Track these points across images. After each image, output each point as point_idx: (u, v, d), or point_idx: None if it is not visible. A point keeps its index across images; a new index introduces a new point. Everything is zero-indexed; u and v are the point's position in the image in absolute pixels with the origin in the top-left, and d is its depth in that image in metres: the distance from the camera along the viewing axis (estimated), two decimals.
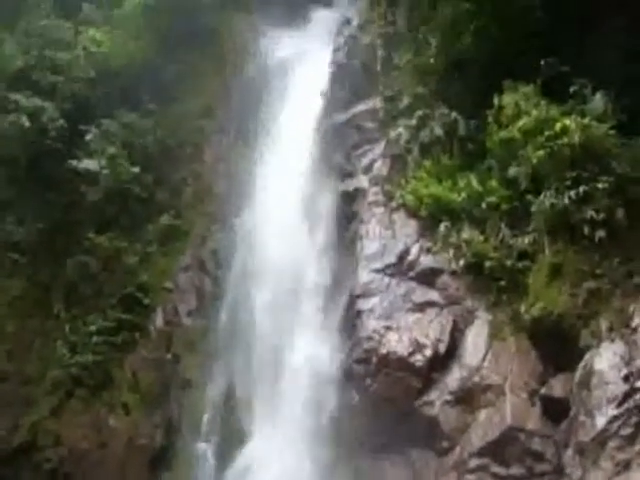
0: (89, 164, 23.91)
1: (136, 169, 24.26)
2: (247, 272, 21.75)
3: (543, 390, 15.09)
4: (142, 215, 24.21)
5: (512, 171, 17.38)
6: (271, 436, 18.87)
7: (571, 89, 16.73)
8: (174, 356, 21.94)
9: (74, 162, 23.97)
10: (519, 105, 17.62)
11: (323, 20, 28.70)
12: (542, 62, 17.52)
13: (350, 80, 25.31)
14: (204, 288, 22.74)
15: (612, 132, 15.45)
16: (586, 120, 15.58)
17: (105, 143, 24.39)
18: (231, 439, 19.82)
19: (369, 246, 19.21)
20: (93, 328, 22.33)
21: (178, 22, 26.78)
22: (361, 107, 23.92)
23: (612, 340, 13.72)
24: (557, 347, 14.92)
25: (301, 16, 28.49)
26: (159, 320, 22.60)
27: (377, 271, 18.53)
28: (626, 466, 12.47)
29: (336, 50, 26.72)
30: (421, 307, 17.61)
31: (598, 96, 16.44)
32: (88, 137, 24.46)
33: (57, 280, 23.81)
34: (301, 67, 26.08)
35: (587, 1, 17.45)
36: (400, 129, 21.30)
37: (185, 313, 22.47)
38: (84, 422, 21.62)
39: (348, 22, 28.26)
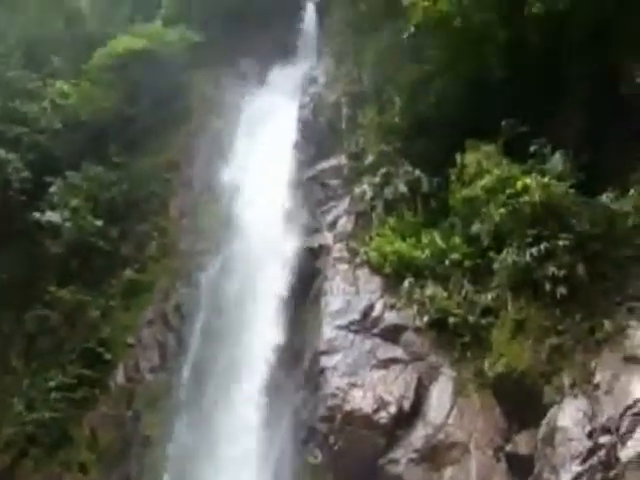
0: (52, 216, 23.68)
1: (100, 222, 24.09)
2: (211, 329, 21.52)
3: (508, 447, 15.02)
4: (105, 269, 23.96)
5: (475, 228, 17.64)
6: None
7: (531, 148, 17.12)
8: (135, 413, 21.45)
9: (37, 214, 23.72)
10: (481, 164, 17.99)
11: (290, 76, 29.16)
12: (503, 122, 17.97)
13: (316, 137, 25.67)
14: (167, 344, 22.42)
15: (571, 190, 15.76)
16: (546, 179, 15.89)
17: (69, 195, 24.25)
18: None
19: (333, 302, 19.20)
20: (52, 384, 21.81)
21: (147, 77, 26.98)
22: (326, 164, 24.22)
23: (575, 396, 13.78)
24: (521, 403, 14.92)
25: (268, 72, 28.99)
26: (120, 376, 22.17)
27: (341, 327, 18.47)
28: None
29: (302, 107, 27.13)
30: (385, 364, 17.52)
31: (557, 155, 16.85)
32: (52, 189, 24.29)
33: (16, 334, 23.34)
34: (267, 123, 26.35)
35: (548, 63, 18.01)
36: (365, 186, 21.58)
37: (147, 369, 22.08)
38: None
39: (314, 80, 28.78)
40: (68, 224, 23.60)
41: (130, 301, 23.30)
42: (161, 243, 24.55)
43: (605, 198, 15.29)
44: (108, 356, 22.25)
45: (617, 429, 12.50)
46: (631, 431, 12.22)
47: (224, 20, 30.24)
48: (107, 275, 23.85)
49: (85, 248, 23.85)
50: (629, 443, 12.16)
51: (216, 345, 20.98)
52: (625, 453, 12.16)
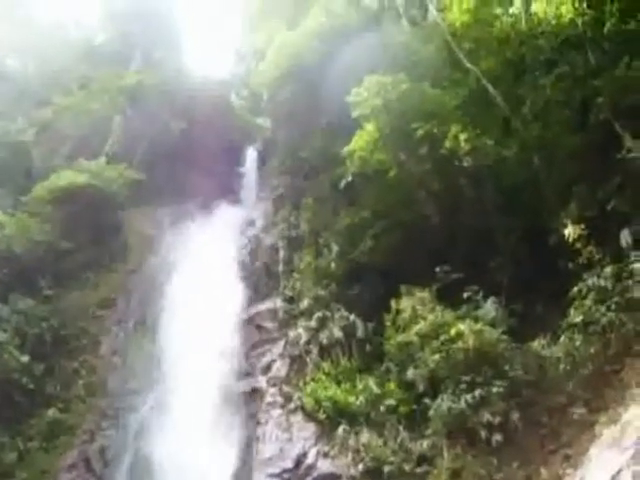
0: None
1: (26, 358, 23.15)
2: (137, 476, 20.44)
3: None
4: (27, 407, 22.69)
5: (410, 374, 17.64)
6: None
7: (465, 295, 17.49)
8: None
9: None
10: (416, 309, 18.26)
11: (229, 217, 29.61)
12: (437, 268, 18.43)
13: (253, 279, 25.81)
14: None
15: (504, 337, 16.04)
16: (479, 325, 16.20)
17: None
18: None
19: (266, 449, 18.72)
20: None
21: (85, 212, 26.97)
22: (262, 306, 24.24)
23: None
24: None
25: (209, 213, 29.38)
26: None
27: (273, 476, 17.90)
28: None
29: (240, 249, 27.42)
30: None
31: (490, 302, 17.27)
32: None
33: None
34: (206, 263, 26.40)
35: (480, 212, 18.79)
36: (300, 330, 21.60)
37: None
38: None
39: (252, 223, 29.31)
40: None
41: (51, 443, 21.96)
42: (89, 381, 23.60)
43: (537, 344, 15.60)
44: None
45: None
46: None
47: (167, 161, 30.91)
48: (28, 415, 22.55)
49: (7, 385, 22.69)
50: None
51: None
52: None
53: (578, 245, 14.89)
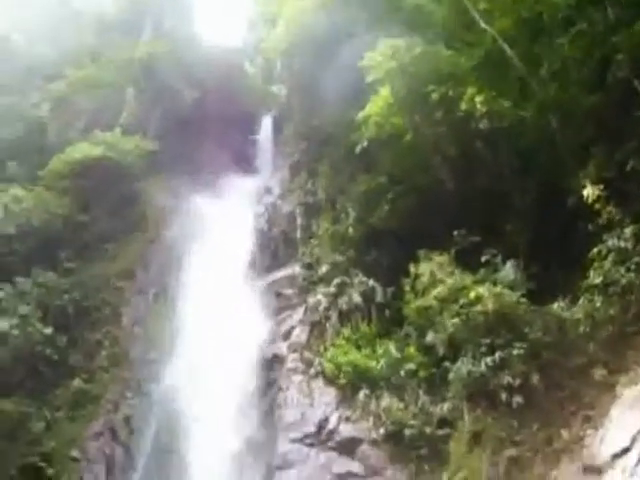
0: None
1: (49, 330, 23.45)
2: (161, 443, 20.77)
3: None
4: (52, 378, 23.05)
5: (429, 338, 17.66)
6: None
7: (483, 258, 17.44)
8: None
9: None
10: (434, 274, 18.22)
11: (245, 186, 29.63)
12: (455, 232, 18.36)
13: (271, 246, 25.90)
14: (115, 458, 21.40)
15: (523, 299, 15.99)
16: (498, 288, 16.15)
17: (18, 302, 23.63)
18: None
19: (287, 414, 18.89)
20: None
21: (102, 184, 27.09)
22: (281, 273, 24.35)
23: None
24: None
25: (224, 181, 29.39)
26: None
27: (295, 441, 18.11)
28: None
29: (257, 217, 27.48)
30: (342, 478, 17.14)
31: (508, 265, 17.20)
32: (0, 295, 23.70)
33: None
34: (223, 231, 26.50)
35: (496, 175, 18.65)
36: (319, 296, 21.67)
37: None
38: None
39: (269, 190, 29.34)
40: (15, 332, 22.85)
41: (77, 412, 22.32)
42: (111, 352, 23.88)
43: (557, 306, 15.53)
44: (51, 471, 21.01)
45: None
46: None
47: (182, 131, 30.86)
48: (54, 385, 22.92)
49: (32, 357, 23.02)
50: None
51: (168, 461, 20.16)
52: None
53: (597, 206, 14.74)
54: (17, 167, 27.93)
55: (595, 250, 14.78)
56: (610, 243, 14.59)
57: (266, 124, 33.75)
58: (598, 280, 14.60)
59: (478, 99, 17.66)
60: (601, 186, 14.77)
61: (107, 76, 31.66)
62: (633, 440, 12.22)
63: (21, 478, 20.78)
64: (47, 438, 21.51)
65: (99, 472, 21.11)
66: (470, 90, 17.95)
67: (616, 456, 12.40)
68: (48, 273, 24.91)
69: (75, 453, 21.28)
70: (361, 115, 21.00)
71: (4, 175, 27.57)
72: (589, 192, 14.82)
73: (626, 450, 12.25)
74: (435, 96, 18.80)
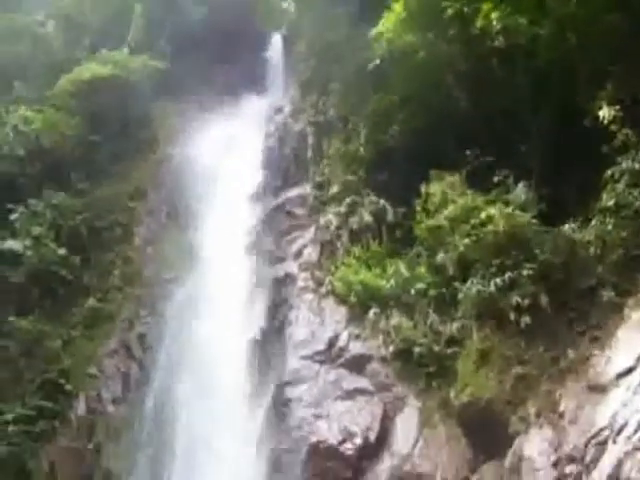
0: (13, 245, 23.23)
1: (63, 250, 23.71)
2: (174, 359, 21.24)
3: (474, 478, 14.99)
4: (67, 298, 23.48)
5: (440, 258, 17.70)
6: None
7: (495, 179, 17.33)
8: (96, 445, 20.90)
9: None
10: (445, 194, 18.16)
11: (255, 106, 29.29)
12: (467, 152, 18.18)
13: (281, 166, 25.77)
14: (130, 374, 22.01)
15: (534, 220, 15.96)
16: (509, 209, 16.11)
17: (31, 223, 23.84)
18: None
19: (298, 332, 19.17)
20: (9, 417, 21.17)
21: (111, 104, 26.88)
22: (291, 193, 24.29)
23: (540, 426, 13.81)
24: (487, 433, 14.89)
25: (234, 101, 29.06)
26: (81, 408, 21.60)
27: (306, 358, 18.43)
28: None
29: (267, 137, 27.25)
30: (351, 394, 17.46)
31: (520, 186, 17.08)
32: (13, 217, 23.89)
33: None
34: (233, 152, 26.37)
35: (511, 94, 18.32)
36: (330, 216, 21.66)
37: (109, 400, 21.60)
38: None
39: (280, 109, 28.96)
40: (29, 253, 23.14)
41: (92, 331, 22.85)
42: (125, 272, 24.22)
43: (567, 228, 15.49)
44: (69, 387, 21.68)
45: (582, 458, 12.55)
46: (596, 460, 12.24)
47: (191, 51, 30.33)
48: (69, 304, 23.37)
49: (47, 277, 23.38)
50: (594, 473, 12.19)
51: (181, 376, 20.67)
52: None
53: (613, 128, 14.48)
54: (24, 88, 27.65)
55: (609, 172, 14.62)
56: (624, 165, 14.40)
57: (276, 42, 32.98)
58: (610, 202, 14.49)
59: (494, 15, 17.15)
60: (617, 107, 14.49)
61: None
62: (638, 360, 12.39)
63: (41, 393, 21.47)
64: (64, 355, 22.12)
65: (115, 387, 21.75)
66: (486, 6, 17.41)
67: (620, 375, 12.59)
68: (60, 194, 25.04)
69: (92, 370, 21.90)
70: (374, 32, 20.53)
71: (11, 96, 27.36)
72: (605, 113, 14.56)
73: (630, 370, 12.42)
74: (450, 12, 18.26)
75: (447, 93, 19.82)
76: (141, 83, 27.97)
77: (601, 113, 14.61)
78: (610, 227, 14.50)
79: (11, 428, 20.78)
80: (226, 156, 26.17)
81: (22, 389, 21.88)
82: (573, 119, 16.53)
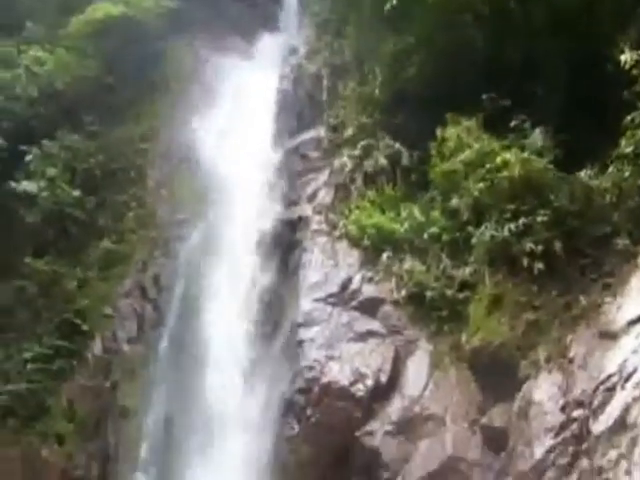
0: (27, 186, 23.31)
1: (77, 192, 23.82)
2: (189, 299, 21.48)
3: (483, 420, 15.20)
4: (82, 239, 23.69)
5: (454, 202, 17.64)
6: (210, 467, 18.57)
7: (511, 123, 17.12)
8: (112, 384, 21.38)
9: (13, 183, 23.38)
10: (461, 138, 17.98)
11: (269, 46, 28.88)
12: (484, 96, 17.92)
13: (296, 108, 25.50)
14: (145, 314, 22.31)
15: (550, 166, 15.82)
16: (526, 154, 15.97)
17: (45, 165, 23.89)
18: (170, 469, 19.40)
19: (311, 275, 19.19)
20: (28, 355, 21.64)
21: (124, 45, 26.57)
22: (306, 136, 24.08)
23: (550, 371, 13.95)
24: (497, 377, 15.06)
25: (247, 42, 28.66)
26: (98, 347, 22.04)
27: (319, 300, 18.49)
28: None
29: (282, 78, 26.90)
30: (363, 337, 17.60)
31: (537, 131, 16.85)
32: (28, 158, 23.92)
33: None
34: (247, 93, 26.10)
35: (529, 37, 17.95)
36: (344, 158, 21.50)
37: (125, 340, 21.98)
38: (14, 455, 20.81)
39: (294, 50, 28.52)
40: (44, 194, 23.26)
41: (107, 272, 23.09)
42: (139, 214, 24.29)
43: (584, 174, 15.37)
44: (85, 327, 22.07)
45: (590, 403, 12.69)
46: (603, 405, 12.38)
47: None
48: (84, 246, 23.59)
49: (61, 218, 23.54)
50: (601, 417, 12.34)
51: (195, 317, 20.95)
52: (597, 427, 12.36)
53: (634, 72, 14.18)
54: (35, 27, 27.33)
55: (628, 118, 14.36)
56: None
57: None
58: (629, 149, 14.26)
59: None
60: None
61: None
62: None
63: (58, 333, 21.90)
64: (80, 296, 22.46)
65: (130, 328, 22.10)
66: None
67: (632, 323, 12.62)
68: (74, 136, 25.00)
69: (107, 310, 22.23)
70: None
71: (21, 36, 27.08)
72: (627, 57, 14.23)
73: None
74: None
75: (464, 36, 19.40)
76: (153, 23, 27.57)
77: (623, 57, 14.29)
78: (627, 174, 14.31)
79: (29, 366, 21.31)
80: (241, 97, 25.89)
81: (39, 329, 22.31)
82: (594, 63, 16.20)
